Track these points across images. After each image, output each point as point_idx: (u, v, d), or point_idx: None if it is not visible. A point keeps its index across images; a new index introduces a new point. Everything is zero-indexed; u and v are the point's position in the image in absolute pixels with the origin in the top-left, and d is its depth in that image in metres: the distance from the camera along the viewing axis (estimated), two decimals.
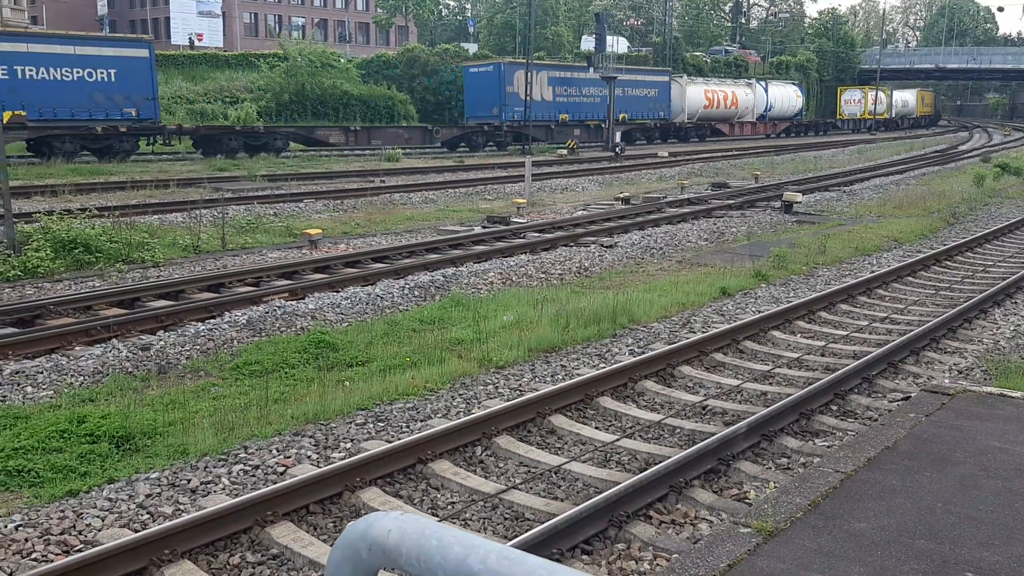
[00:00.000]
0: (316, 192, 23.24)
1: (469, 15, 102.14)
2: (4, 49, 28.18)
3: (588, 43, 62.92)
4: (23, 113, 27.96)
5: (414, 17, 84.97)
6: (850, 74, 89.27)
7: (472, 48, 65.39)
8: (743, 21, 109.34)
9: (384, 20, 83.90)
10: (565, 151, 41.26)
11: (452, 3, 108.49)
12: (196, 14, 76.87)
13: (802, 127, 69.17)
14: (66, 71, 29.63)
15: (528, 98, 42.73)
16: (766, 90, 63.01)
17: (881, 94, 75.65)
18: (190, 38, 69.48)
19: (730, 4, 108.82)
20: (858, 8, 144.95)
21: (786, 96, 65.41)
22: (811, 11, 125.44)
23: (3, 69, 28.12)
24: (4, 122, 26.51)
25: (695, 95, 55.46)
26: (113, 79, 30.60)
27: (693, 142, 54.55)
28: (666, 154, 40.94)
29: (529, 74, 42.52)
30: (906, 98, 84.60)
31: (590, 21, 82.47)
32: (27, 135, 29.12)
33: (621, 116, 47.78)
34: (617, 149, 40.62)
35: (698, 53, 79.49)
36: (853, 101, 75.89)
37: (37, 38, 30.75)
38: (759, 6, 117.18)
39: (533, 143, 43.22)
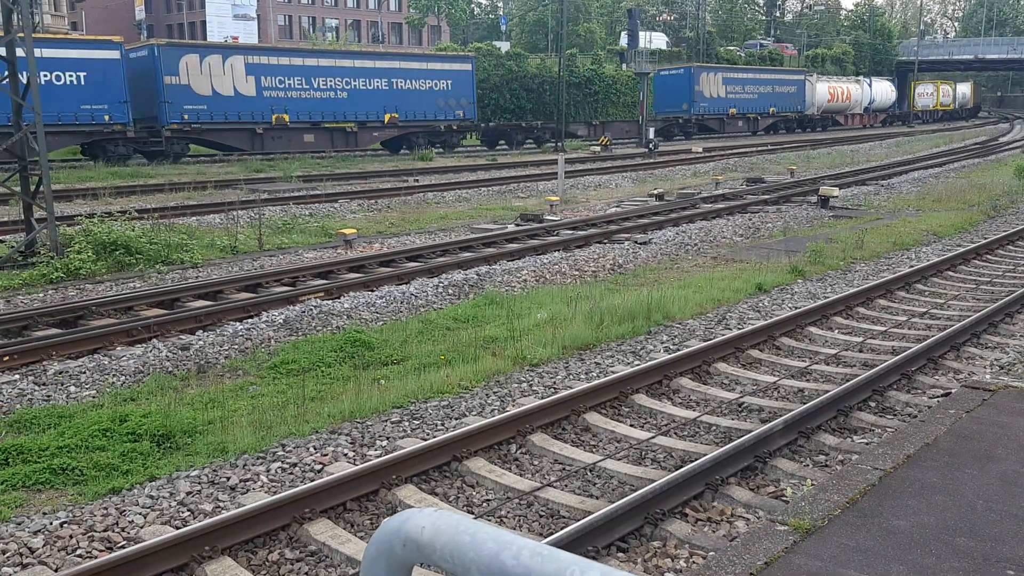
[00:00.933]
0: (350, 192, 23.40)
1: (501, 13, 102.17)
2: (385, 66, 37.74)
3: (649, 40, 64.60)
4: (396, 115, 37.56)
5: (446, 16, 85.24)
6: (887, 66, 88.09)
7: (504, 46, 65.35)
8: (778, 14, 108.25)
9: (417, 20, 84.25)
10: (598, 147, 41.17)
11: (484, 2, 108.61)
12: (231, 17, 77.79)
13: (895, 117, 76.92)
14: (420, 82, 38.57)
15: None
16: (870, 86, 70.40)
17: (947, 87, 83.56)
18: (226, 41, 70.21)
19: None
20: None
21: (884, 91, 73.66)
22: (847, 3, 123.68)
23: (384, 82, 37.23)
24: (385, 122, 36.73)
25: (821, 91, 62.93)
26: (449, 88, 39.65)
27: (818, 131, 62.74)
28: (700, 150, 40.69)
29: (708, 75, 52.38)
30: (964, 90, 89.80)
31: (623, 17, 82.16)
32: (396, 132, 38.40)
33: (771, 109, 58.09)
34: (651, 145, 40.44)
35: (732, 47, 78.91)
36: (926, 94, 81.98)
37: (406, 57, 42.25)
38: None
39: (709, 133, 54.11)
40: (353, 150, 37.03)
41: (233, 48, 36.21)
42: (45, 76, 26.82)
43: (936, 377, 8.41)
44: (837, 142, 48.74)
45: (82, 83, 28.69)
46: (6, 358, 8.83)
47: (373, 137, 37.70)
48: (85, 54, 28.90)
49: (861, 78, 71.16)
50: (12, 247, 14.22)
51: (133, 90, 29.93)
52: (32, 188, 14.63)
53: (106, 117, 29.32)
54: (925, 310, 11.05)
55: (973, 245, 15.25)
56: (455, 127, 40.41)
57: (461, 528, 1.20)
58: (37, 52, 28.41)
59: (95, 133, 29.58)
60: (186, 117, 31.49)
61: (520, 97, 46.48)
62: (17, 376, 8.47)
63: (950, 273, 13.32)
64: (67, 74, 28.47)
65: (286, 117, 33.93)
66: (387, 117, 37.07)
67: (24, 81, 14.25)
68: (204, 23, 79.32)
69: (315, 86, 34.96)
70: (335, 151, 35.94)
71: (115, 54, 29.53)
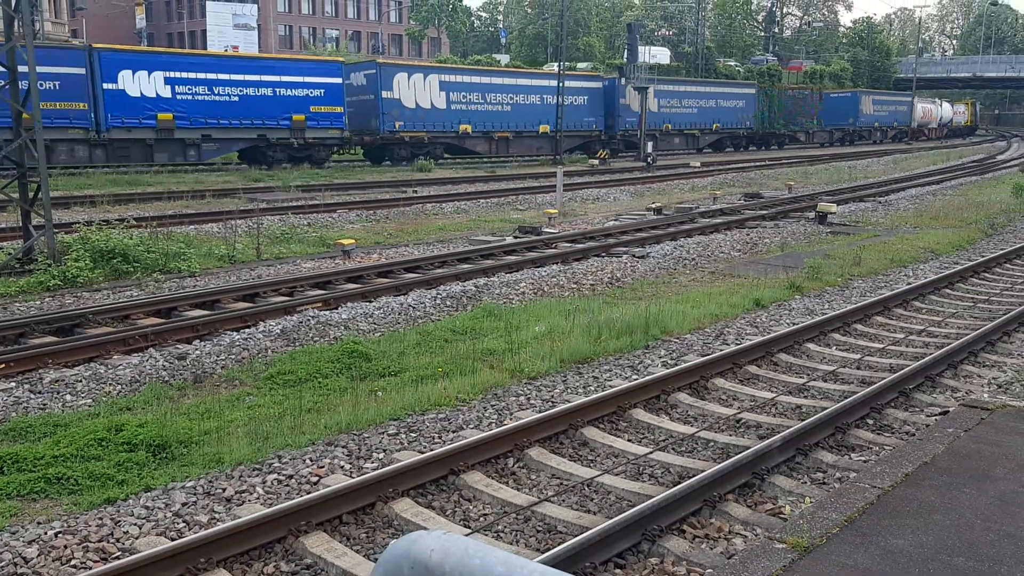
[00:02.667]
0: (349, 203, 23.41)
1: (501, 26, 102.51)
2: (541, 84, 43.60)
3: (654, 55, 65.61)
4: (547, 127, 43.23)
5: (447, 29, 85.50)
6: (885, 83, 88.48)
7: (504, 59, 65.55)
8: (776, 30, 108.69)
9: (417, 32, 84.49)
10: (596, 161, 41.23)
11: (484, 15, 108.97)
12: (232, 26, 77.93)
13: (959, 131, 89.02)
14: (572, 98, 44.09)
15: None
16: (940, 106, 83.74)
17: (964, 106, 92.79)
18: (226, 50, 70.36)
19: (763, 13, 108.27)
20: (893, 17, 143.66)
21: (948, 110, 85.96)
22: (845, 20, 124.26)
23: (539, 97, 42.89)
24: (539, 132, 42.25)
25: (919, 110, 77.24)
26: (585, 103, 45.51)
27: (922, 140, 77.07)
28: (698, 164, 40.78)
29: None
30: (960, 108, 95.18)
31: (622, 31, 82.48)
32: (547, 141, 43.79)
33: (894, 124, 72.68)
34: (649, 159, 40.52)
35: (731, 63, 79.29)
36: (958, 112, 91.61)
37: (555, 76, 44.00)
38: (792, 15, 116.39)
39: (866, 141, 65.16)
40: (511, 156, 43.36)
41: (431, 68, 42.66)
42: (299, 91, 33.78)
43: (934, 395, 8.41)
44: (835, 158, 48.89)
45: (316, 96, 34.45)
46: (2, 365, 8.80)
47: (526, 145, 43.57)
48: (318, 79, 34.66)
49: (938, 100, 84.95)
50: (10, 254, 14.19)
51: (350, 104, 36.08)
52: (31, 195, 14.62)
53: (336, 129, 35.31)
54: (923, 328, 11.05)
55: (971, 263, 15.27)
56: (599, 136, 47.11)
57: (470, 551, 1.19)
58: (240, 76, 32.31)
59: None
60: (397, 126, 37.00)
61: None
62: (13, 384, 8.44)
63: (948, 291, 13.34)
64: (301, 91, 34.12)
65: (468, 127, 39.76)
66: (541, 128, 43.16)
67: (28, 87, 14.25)
68: (204, 32, 79.50)
69: (488, 101, 40.68)
70: (497, 157, 42.66)
71: (338, 79, 35.38)
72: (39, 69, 28.72)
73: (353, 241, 16.51)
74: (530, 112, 42.32)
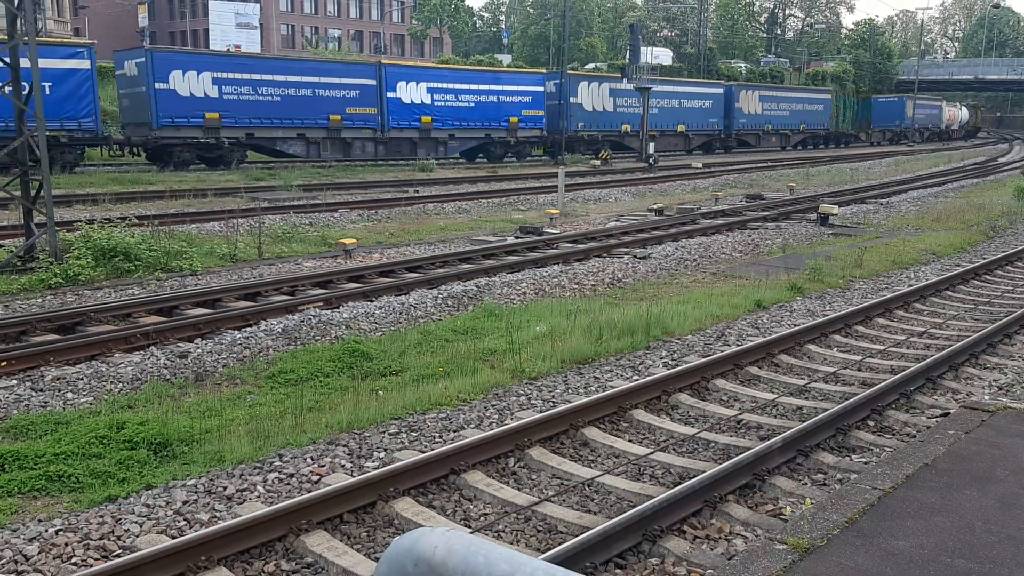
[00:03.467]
0: (350, 202, 23.41)
1: (503, 27, 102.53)
2: (675, 91, 50.02)
3: (656, 55, 67.01)
4: (684, 127, 50.40)
5: (449, 29, 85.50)
6: (887, 85, 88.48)
7: (506, 59, 65.56)
8: (778, 32, 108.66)
9: (419, 32, 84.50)
10: (598, 162, 41.23)
11: (486, 15, 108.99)
12: (234, 25, 77.96)
13: (970, 133, 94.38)
14: (696, 102, 51.60)
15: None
16: (961, 109, 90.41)
17: (966, 110, 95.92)
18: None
19: (765, 15, 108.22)
20: (895, 19, 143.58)
21: (963, 113, 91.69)
22: (847, 22, 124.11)
23: (676, 102, 50.22)
24: (677, 131, 49.19)
25: (946, 113, 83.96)
26: (711, 107, 52.81)
27: (956, 141, 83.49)
28: (700, 165, 40.77)
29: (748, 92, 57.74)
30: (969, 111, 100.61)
31: (624, 32, 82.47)
32: (683, 140, 51.09)
33: (929, 126, 79.10)
34: (650, 160, 40.50)
35: (735, 63, 79.46)
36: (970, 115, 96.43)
37: (690, 82, 52.86)
38: (795, 17, 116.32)
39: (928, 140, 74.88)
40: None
41: (605, 77, 48.59)
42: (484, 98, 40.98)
43: (935, 397, 8.41)
44: (839, 159, 48.90)
45: (526, 102, 42.58)
46: (3, 363, 8.81)
47: (668, 142, 50.39)
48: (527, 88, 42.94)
49: (958, 104, 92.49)
50: (12, 252, 14.21)
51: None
52: (33, 193, 14.63)
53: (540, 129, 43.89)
54: (924, 330, 11.05)
55: (972, 265, 15.26)
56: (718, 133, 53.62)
57: (474, 548, 1.20)
58: (460, 84, 39.53)
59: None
60: (579, 126, 45.07)
61: None
62: (14, 381, 8.45)
63: (949, 293, 13.33)
64: (515, 97, 42.17)
65: (628, 127, 47.49)
66: (679, 128, 50.80)
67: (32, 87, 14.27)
68: (207, 31, 79.52)
69: (641, 105, 46.20)
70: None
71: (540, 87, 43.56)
72: (345, 80, 35.69)
73: (354, 241, 16.52)
74: (672, 114, 50.27)
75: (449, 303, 12.07)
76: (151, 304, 11.39)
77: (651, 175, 36.28)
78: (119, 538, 5.43)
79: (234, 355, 9.48)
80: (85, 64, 28.86)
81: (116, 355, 9.37)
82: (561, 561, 4.84)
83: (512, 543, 5.51)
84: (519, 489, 6.28)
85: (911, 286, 13.45)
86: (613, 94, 46.55)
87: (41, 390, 8.25)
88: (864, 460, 6.79)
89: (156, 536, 5.42)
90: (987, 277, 14.72)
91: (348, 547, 5.34)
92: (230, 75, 32.99)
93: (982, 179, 37.25)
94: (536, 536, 5.62)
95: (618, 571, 5.12)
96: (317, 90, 35.13)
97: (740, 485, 6.15)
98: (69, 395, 8.15)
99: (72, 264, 13.27)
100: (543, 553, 4.99)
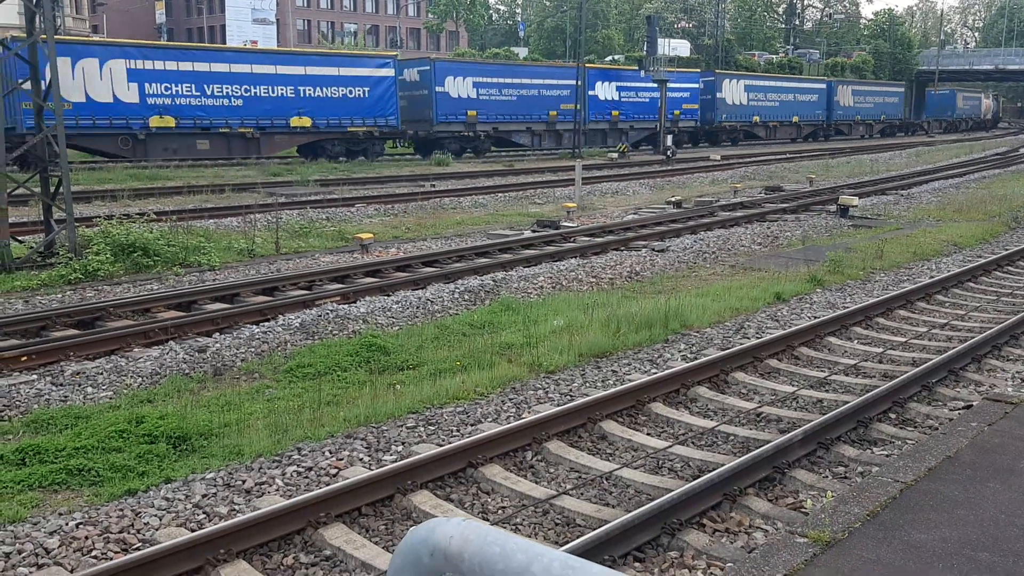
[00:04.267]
0: (367, 197, 23.45)
1: (519, 19, 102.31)
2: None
3: (674, 47, 66.99)
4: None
5: (465, 22, 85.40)
6: (907, 76, 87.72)
7: (522, 52, 65.45)
8: (797, 23, 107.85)
9: (435, 26, 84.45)
10: (616, 154, 41.10)
11: (502, 8, 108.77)
12: (251, 21, 78.22)
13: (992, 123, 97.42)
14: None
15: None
16: (994, 100, 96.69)
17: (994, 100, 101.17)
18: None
19: (784, 5, 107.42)
20: (915, 9, 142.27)
21: (992, 103, 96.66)
22: (867, 12, 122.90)
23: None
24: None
25: (983, 103, 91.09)
26: (817, 100, 61.52)
27: (992, 131, 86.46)
28: (718, 157, 40.56)
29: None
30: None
31: (641, 24, 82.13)
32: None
33: (971, 116, 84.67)
34: (668, 152, 40.33)
35: (772, 56, 79.39)
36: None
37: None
38: (813, 7, 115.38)
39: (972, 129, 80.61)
40: (777, 139, 57.37)
41: (742, 75, 56.25)
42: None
43: (957, 389, 8.32)
44: (856, 151, 48.51)
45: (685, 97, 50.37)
46: (24, 358, 8.88)
47: (786, 131, 57.97)
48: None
49: (989, 93, 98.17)
50: (31, 248, 14.31)
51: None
52: (52, 189, 14.73)
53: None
54: (946, 321, 10.94)
55: (994, 256, 15.10)
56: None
57: (490, 539, 1.17)
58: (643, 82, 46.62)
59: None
60: (723, 117, 53.53)
61: None
62: (35, 376, 8.51)
63: (971, 284, 13.19)
64: (678, 94, 49.12)
65: (758, 119, 56.12)
66: (794, 119, 58.08)
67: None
68: (224, 27, 79.83)
69: (768, 99, 56.32)
70: (770, 139, 55.49)
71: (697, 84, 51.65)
72: (559, 82, 43.71)
73: (371, 235, 16.53)
74: (789, 107, 58.21)
75: (466, 297, 12.06)
76: (170, 299, 11.44)
77: (669, 168, 36.11)
78: (139, 531, 5.45)
79: (252, 349, 9.50)
80: (390, 72, 37.19)
81: (135, 350, 9.41)
82: (579, 554, 4.82)
83: (530, 536, 5.49)
84: (537, 482, 6.26)
85: (932, 278, 13.32)
86: (748, 90, 55.69)
87: (61, 385, 8.30)
88: (886, 453, 6.72)
89: (175, 529, 5.43)
90: (1009, 268, 14.56)
91: (366, 540, 5.34)
92: (484, 79, 41.00)
93: (1003, 169, 36.84)
94: (554, 529, 5.60)
95: (637, 564, 5.10)
96: (541, 91, 43.45)
97: (760, 478, 6.11)
98: (89, 390, 8.20)
99: (91, 260, 13.35)
100: (562, 546, 4.97)
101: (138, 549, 5.17)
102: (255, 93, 33.57)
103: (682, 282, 13.52)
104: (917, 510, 4.87)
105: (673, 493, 5.51)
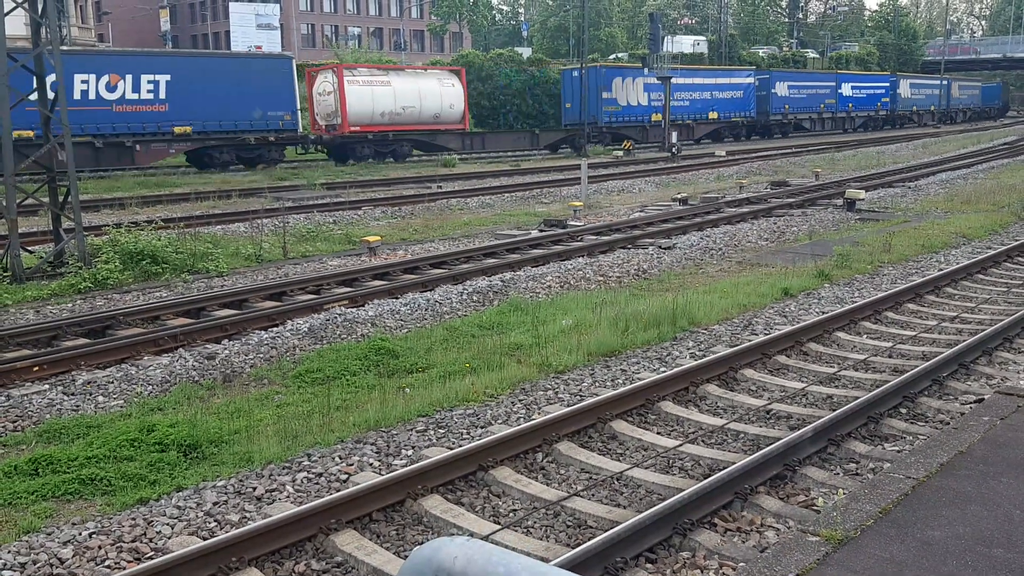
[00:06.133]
0: (374, 199, 23.46)
1: (523, 19, 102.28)
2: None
3: (680, 44, 68.83)
4: (717, 114, 53.13)
5: (468, 23, 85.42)
6: (912, 66, 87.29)
7: (526, 52, 65.43)
8: (800, 16, 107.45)
9: (438, 27, 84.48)
10: (621, 152, 41.03)
11: (505, 8, 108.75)
12: (255, 27, 78.33)
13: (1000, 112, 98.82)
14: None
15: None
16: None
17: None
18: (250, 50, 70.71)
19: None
20: None
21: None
22: (871, 3, 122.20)
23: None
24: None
25: (987, 91, 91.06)
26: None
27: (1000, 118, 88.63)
28: (723, 153, 40.45)
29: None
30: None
31: (643, 21, 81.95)
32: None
33: (963, 109, 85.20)
34: (674, 149, 40.25)
35: (755, 49, 78.94)
36: None
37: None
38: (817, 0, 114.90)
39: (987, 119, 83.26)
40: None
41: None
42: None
43: (968, 383, 8.28)
44: (862, 144, 48.32)
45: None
46: (36, 368, 8.91)
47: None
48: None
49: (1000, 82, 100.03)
50: (41, 258, 14.37)
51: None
52: (60, 199, 14.78)
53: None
54: (956, 314, 10.89)
55: (1004, 247, 15.03)
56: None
57: (494, 559, 1.17)
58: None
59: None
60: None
61: (542, 102, 47.17)
62: (47, 386, 8.55)
63: (981, 276, 13.13)
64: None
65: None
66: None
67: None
68: (228, 33, 79.99)
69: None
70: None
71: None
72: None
73: (379, 238, 16.55)
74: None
75: (474, 298, 12.06)
76: (178, 306, 11.47)
77: (674, 164, 36.04)
78: (151, 540, 5.47)
79: (261, 355, 9.53)
80: (750, 80, 53.28)
81: (145, 358, 9.44)
82: (591, 556, 4.82)
83: (541, 539, 5.49)
84: (548, 484, 6.26)
85: (941, 270, 13.27)
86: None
87: (73, 394, 8.33)
88: (897, 449, 6.69)
89: (187, 538, 5.45)
90: (1020, 259, 14.48)
91: (378, 546, 5.35)
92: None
93: (1012, 159, 36.64)
94: (565, 531, 5.59)
95: (648, 565, 5.09)
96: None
97: (771, 476, 6.09)
98: (100, 398, 8.23)
99: (100, 268, 13.40)
100: (573, 549, 4.96)
101: (151, 558, 5.19)
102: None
103: (689, 279, 13.50)
104: (930, 506, 4.85)
105: (684, 493, 5.50)
